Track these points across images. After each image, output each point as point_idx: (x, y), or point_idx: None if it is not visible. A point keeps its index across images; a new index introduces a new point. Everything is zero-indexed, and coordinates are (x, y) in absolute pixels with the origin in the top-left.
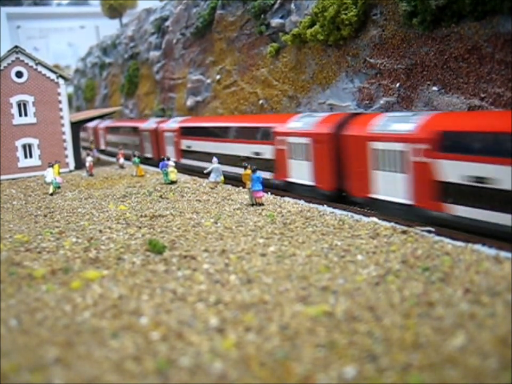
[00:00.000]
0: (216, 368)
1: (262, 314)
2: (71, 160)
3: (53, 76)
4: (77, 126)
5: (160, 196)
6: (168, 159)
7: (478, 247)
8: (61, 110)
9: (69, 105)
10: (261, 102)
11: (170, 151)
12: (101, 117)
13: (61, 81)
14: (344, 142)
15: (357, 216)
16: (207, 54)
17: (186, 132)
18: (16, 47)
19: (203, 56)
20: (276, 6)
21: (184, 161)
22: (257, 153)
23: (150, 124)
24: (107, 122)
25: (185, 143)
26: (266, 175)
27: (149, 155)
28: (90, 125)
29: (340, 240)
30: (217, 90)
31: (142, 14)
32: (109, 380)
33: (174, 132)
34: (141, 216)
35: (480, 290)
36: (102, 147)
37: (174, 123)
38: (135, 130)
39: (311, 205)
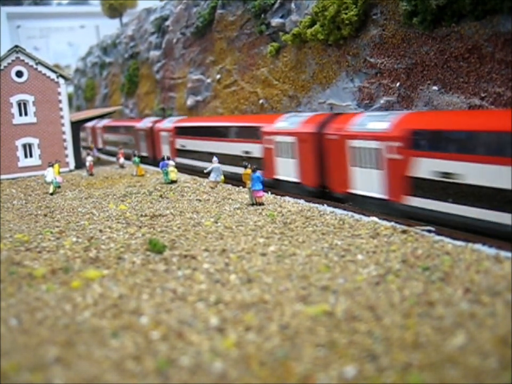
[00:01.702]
0: (216, 367)
1: (262, 313)
2: (71, 160)
3: (53, 76)
4: (77, 126)
5: (160, 196)
6: (168, 159)
7: (478, 246)
8: (61, 109)
9: (69, 105)
10: (261, 101)
11: None
12: (101, 116)
13: (61, 80)
14: None
15: (357, 216)
16: (207, 53)
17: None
18: (16, 46)
19: (203, 56)
20: (276, 5)
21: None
22: None
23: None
24: (174, 121)
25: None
26: None
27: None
28: (140, 125)
29: (340, 239)
30: (218, 90)
31: (142, 13)
32: (109, 379)
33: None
34: (141, 215)
35: (480, 290)
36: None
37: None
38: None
39: (311, 205)
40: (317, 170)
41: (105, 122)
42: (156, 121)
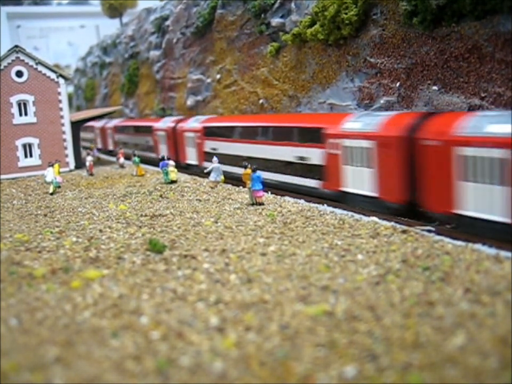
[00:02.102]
0: (216, 367)
1: (262, 313)
2: (71, 160)
3: (53, 76)
4: (77, 126)
5: (160, 195)
6: (169, 159)
7: (478, 246)
8: (61, 109)
9: (69, 105)
10: (261, 101)
11: None
12: (101, 116)
13: (61, 80)
14: None
15: (357, 216)
16: (207, 53)
17: None
18: (16, 46)
19: (203, 56)
20: (276, 5)
21: None
22: None
23: None
24: (201, 120)
25: None
26: None
27: None
28: (159, 125)
29: (340, 239)
30: (218, 90)
31: (142, 13)
32: (109, 379)
33: None
34: (141, 215)
35: (480, 290)
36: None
37: None
38: None
39: (311, 205)
40: (404, 183)
41: (116, 122)
42: (178, 121)
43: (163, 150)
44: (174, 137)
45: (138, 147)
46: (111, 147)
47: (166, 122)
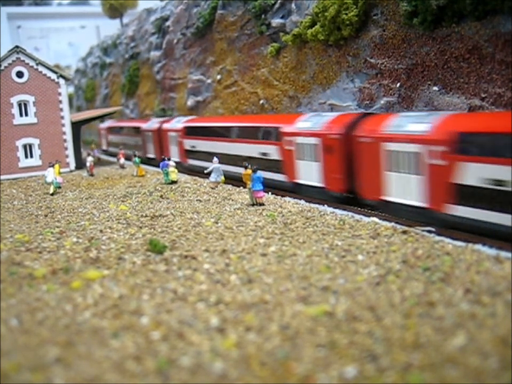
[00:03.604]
0: (216, 367)
1: (262, 314)
2: (71, 160)
3: (53, 76)
4: (77, 126)
5: (161, 196)
6: (169, 159)
7: (478, 247)
8: (61, 110)
9: (69, 105)
10: (261, 102)
11: None
12: (101, 117)
13: (61, 81)
14: None
15: (357, 216)
16: (208, 54)
17: None
18: (16, 47)
19: (204, 56)
20: (277, 6)
21: None
22: None
23: None
24: (438, 119)
25: None
26: None
27: None
28: (296, 127)
29: (341, 240)
30: (218, 90)
31: (142, 14)
32: (109, 379)
33: None
34: (142, 216)
35: (480, 290)
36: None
37: None
38: None
39: (312, 205)
40: None
41: (186, 121)
42: (352, 119)
43: (312, 172)
44: (345, 149)
45: (238, 160)
46: (176, 157)
47: (317, 122)
